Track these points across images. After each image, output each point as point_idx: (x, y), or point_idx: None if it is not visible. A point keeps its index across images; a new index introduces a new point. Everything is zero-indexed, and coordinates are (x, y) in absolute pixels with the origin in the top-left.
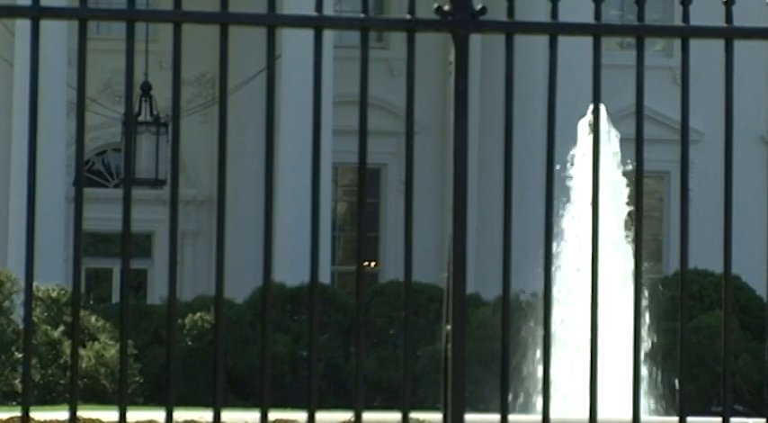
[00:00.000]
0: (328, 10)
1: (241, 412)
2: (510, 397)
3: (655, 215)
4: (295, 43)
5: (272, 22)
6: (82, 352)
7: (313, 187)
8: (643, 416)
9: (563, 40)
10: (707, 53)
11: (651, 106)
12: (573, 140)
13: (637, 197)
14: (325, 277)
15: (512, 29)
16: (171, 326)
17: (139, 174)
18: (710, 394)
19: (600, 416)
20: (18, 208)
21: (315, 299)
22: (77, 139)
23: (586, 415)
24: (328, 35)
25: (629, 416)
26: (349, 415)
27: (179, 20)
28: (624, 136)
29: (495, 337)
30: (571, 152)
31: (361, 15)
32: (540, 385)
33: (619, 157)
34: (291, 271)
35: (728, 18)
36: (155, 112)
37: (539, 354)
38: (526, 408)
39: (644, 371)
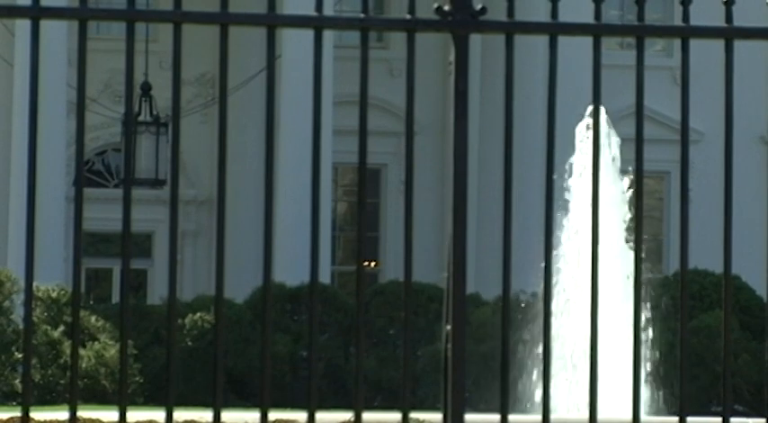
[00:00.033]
0: (328, 10)
1: (241, 412)
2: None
3: (655, 215)
4: (295, 43)
5: (272, 22)
6: (82, 352)
7: (313, 187)
8: (643, 416)
9: (563, 40)
10: (707, 53)
11: (651, 106)
12: (571, 144)
13: (637, 197)
14: (325, 277)
15: (512, 29)
16: (171, 326)
17: (139, 174)
18: (710, 394)
19: (600, 416)
20: (18, 208)
21: (315, 299)
22: (77, 139)
23: (586, 415)
24: (328, 35)
25: (630, 416)
26: (349, 415)
27: (179, 20)
28: (624, 136)
29: (495, 336)
30: (569, 161)
31: (361, 15)
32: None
33: (618, 162)
34: (291, 271)
35: (728, 18)
36: (155, 112)
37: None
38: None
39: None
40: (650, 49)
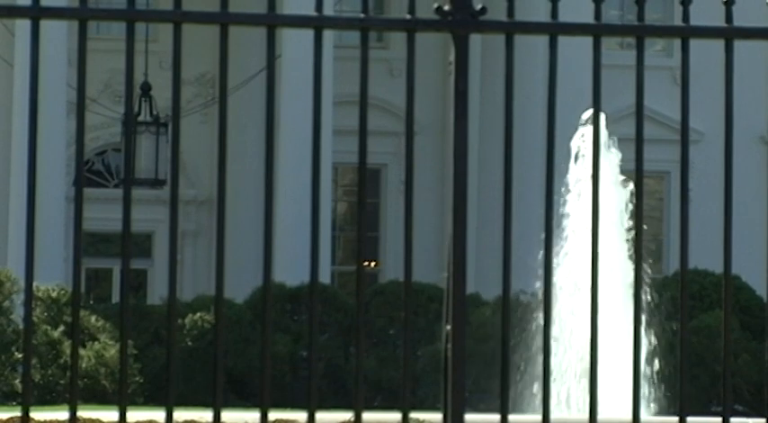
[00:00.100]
0: (328, 10)
1: (241, 412)
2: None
3: (655, 215)
4: (295, 43)
5: (272, 22)
6: (82, 352)
7: (313, 187)
8: (643, 416)
9: (563, 40)
10: (707, 53)
11: (651, 106)
12: (565, 161)
13: (637, 197)
14: (325, 277)
15: (512, 29)
16: (171, 326)
17: (139, 174)
18: (710, 394)
19: (600, 416)
20: (18, 208)
21: (315, 299)
22: (77, 139)
23: (586, 415)
24: (328, 35)
25: (630, 416)
26: (349, 415)
27: (179, 20)
28: (624, 136)
29: (495, 336)
30: (564, 180)
31: (361, 15)
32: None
33: (618, 170)
34: (291, 271)
35: (728, 18)
36: (155, 112)
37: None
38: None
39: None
40: (650, 49)
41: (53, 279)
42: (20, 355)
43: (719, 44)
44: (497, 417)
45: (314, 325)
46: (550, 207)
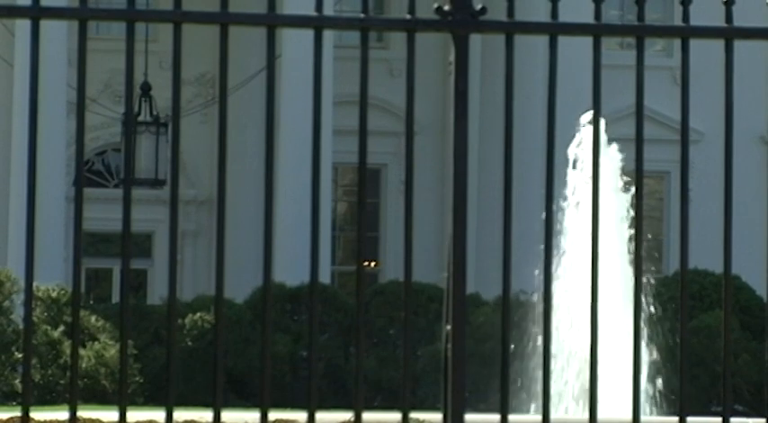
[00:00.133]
0: (328, 10)
1: (241, 412)
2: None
3: (655, 215)
4: (295, 43)
5: (272, 22)
6: (82, 352)
7: (313, 187)
8: (643, 416)
9: (563, 40)
10: (707, 53)
11: (651, 106)
12: (573, 140)
13: (637, 197)
14: (325, 277)
15: (512, 29)
16: (171, 326)
17: (139, 174)
18: (710, 394)
19: (600, 416)
20: (18, 208)
21: (315, 299)
22: (77, 139)
23: (586, 415)
24: (328, 35)
25: (630, 416)
26: (349, 415)
27: (179, 20)
28: (624, 136)
29: (495, 336)
30: (563, 194)
31: (361, 15)
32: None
33: (618, 175)
34: (291, 271)
35: (728, 18)
36: (155, 112)
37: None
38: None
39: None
40: (650, 49)
41: (53, 279)
42: (20, 355)
43: (719, 44)
44: (497, 417)
45: (314, 325)
46: (550, 207)
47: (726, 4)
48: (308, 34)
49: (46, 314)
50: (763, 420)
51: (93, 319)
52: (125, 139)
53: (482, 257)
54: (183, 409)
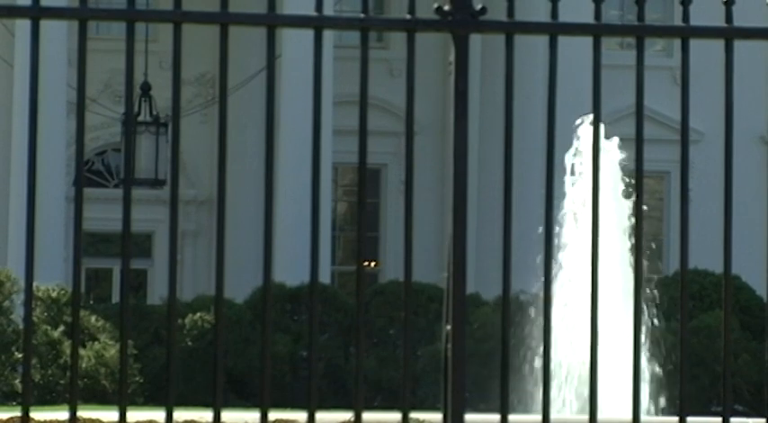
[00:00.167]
0: (328, 10)
1: (241, 412)
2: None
3: (655, 215)
4: (295, 43)
5: (272, 22)
6: (82, 352)
7: (313, 187)
8: (643, 416)
9: (563, 40)
10: (707, 53)
11: (651, 106)
12: (572, 142)
13: (637, 197)
14: (325, 277)
15: (512, 29)
16: (171, 326)
17: (139, 174)
18: (710, 394)
19: (600, 416)
20: (18, 208)
21: (315, 299)
22: (77, 139)
23: (586, 415)
24: (328, 35)
25: (630, 416)
26: (349, 415)
27: (179, 20)
28: (624, 136)
29: (495, 336)
30: (561, 205)
31: (361, 15)
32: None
33: (620, 183)
34: (291, 271)
35: (728, 18)
36: (155, 112)
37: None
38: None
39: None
40: (650, 49)
41: (53, 279)
42: (20, 355)
43: (719, 44)
44: (497, 417)
45: (314, 325)
46: (550, 207)
47: (726, 4)
48: (308, 34)
49: (46, 314)
50: (763, 420)
51: (93, 319)
52: (125, 139)
53: (482, 257)
54: (183, 409)
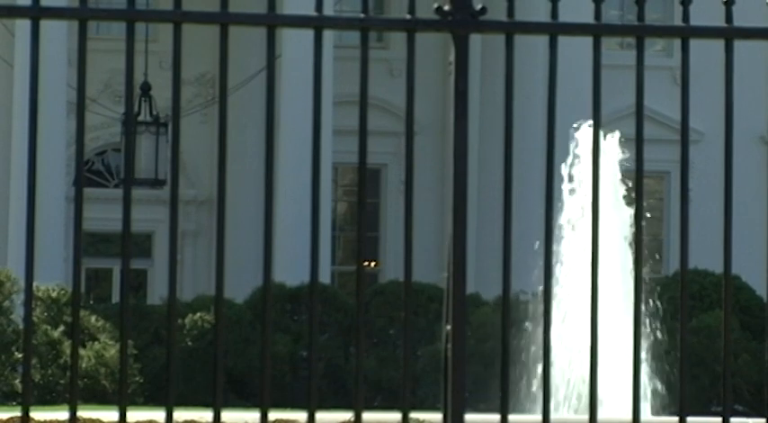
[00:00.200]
0: (328, 10)
1: (241, 412)
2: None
3: (655, 215)
4: (295, 43)
5: (272, 22)
6: (82, 352)
7: (313, 187)
8: (643, 416)
9: (563, 40)
10: (707, 53)
11: (651, 106)
12: (569, 150)
13: (637, 197)
14: (325, 277)
15: (512, 29)
16: (171, 326)
17: (139, 174)
18: (710, 394)
19: (600, 416)
20: (18, 208)
21: (315, 299)
22: (77, 139)
23: (586, 415)
24: (328, 35)
25: (630, 416)
26: (349, 415)
27: (179, 20)
28: (624, 136)
29: (495, 336)
30: (559, 219)
31: (361, 15)
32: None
33: (620, 190)
34: (291, 271)
35: (728, 18)
36: (155, 112)
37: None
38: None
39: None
40: (650, 49)
41: (53, 279)
42: (20, 355)
43: (719, 44)
44: (497, 417)
45: (314, 325)
46: (550, 207)
47: (726, 4)
48: (308, 34)
49: (46, 314)
50: (763, 420)
51: (93, 319)
52: (125, 139)
53: (482, 257)
54: (183, 409)
